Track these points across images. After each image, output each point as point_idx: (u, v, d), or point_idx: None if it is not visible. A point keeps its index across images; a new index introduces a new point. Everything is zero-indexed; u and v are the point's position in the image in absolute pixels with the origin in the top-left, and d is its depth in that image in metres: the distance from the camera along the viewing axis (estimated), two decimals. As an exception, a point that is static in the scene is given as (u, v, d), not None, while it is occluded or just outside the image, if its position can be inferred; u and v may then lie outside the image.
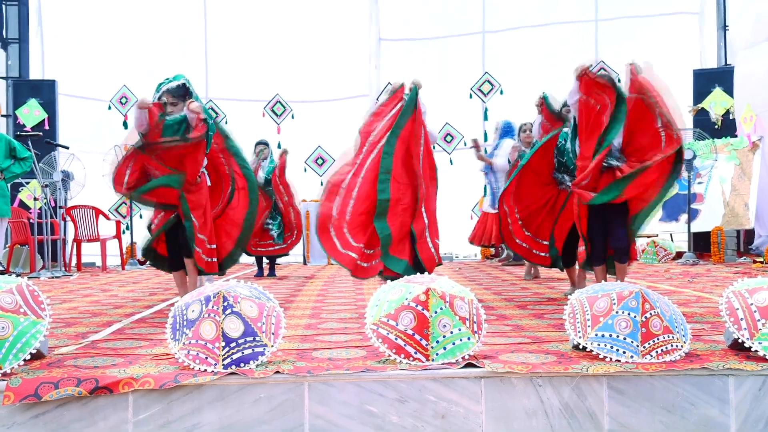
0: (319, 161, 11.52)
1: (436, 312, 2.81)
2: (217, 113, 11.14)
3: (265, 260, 8.08)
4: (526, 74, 11.08)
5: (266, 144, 7.95)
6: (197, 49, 11.35)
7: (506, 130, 8.90)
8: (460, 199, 10.77)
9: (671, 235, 9.86)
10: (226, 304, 2.75)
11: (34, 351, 2.77)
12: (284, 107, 11.46)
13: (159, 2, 11.30)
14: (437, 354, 2.79)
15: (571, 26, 11.28)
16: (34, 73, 11.02)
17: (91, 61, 11.14)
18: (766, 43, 9.18)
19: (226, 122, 11.09)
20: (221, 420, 2.66)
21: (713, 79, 10.16)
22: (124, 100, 11.00)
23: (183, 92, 4.80)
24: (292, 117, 11.41)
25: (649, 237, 9.50)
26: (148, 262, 5.42)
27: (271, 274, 7.99)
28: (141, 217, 9.64)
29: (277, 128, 11.35)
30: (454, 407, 2.69)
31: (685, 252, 9.14)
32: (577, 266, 5.35)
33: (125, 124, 10.57)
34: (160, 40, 11.14)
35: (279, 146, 10.59)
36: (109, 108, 11.00)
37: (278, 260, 9.91)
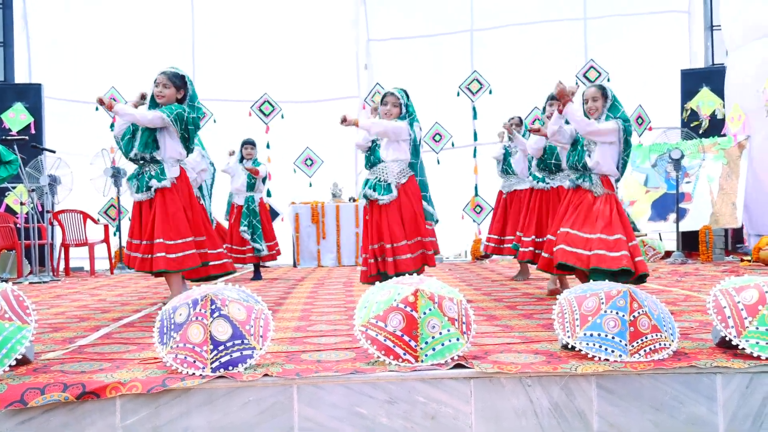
0: (308, 162, 11.51)
1: (424, 313, 2.80)
2: (205, 114, 11.11)
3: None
4: (514, 72, 11.11)
5: (254, 144, 7.91)
6: (184, 49, 11.29)
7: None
8: (449, 199, 10.78)
9: (660, 234, 9.91)
10: (213, 307, 2.74)
11: (19, 357, 2.75)
12: (273, 107, 11.44)
13: (146, 2, 11.25)
14: (426, 355, 2.78)
15: (560, 24, 11.30)
16: (20, 77, 10.95)
17: (77, 63, 11.06)
18: (754, 43, 9.24)
19: (215, 122, 11.05)
20: (210, 424, 2.65)
21: (701, 78, 10.21)
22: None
23: (178, 81, 4.69)
24: (282, 117, 11.39)
25: (638, 236, 9.56)
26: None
27: (257, 277, 7.95)
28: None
29: (266, 128, 11.33)
30: (443, 408, 2.69)
31: (673, 251, 9.19)
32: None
33: (112, 126, 10.52)
34: (147, 40, 11.09)
35: (267, 146, 10.59)
36: (96, 109, 10.94)
37: (269, 263, 9.91)
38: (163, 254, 4.55)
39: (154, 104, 4.71)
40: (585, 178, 4.74)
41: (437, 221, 5.52)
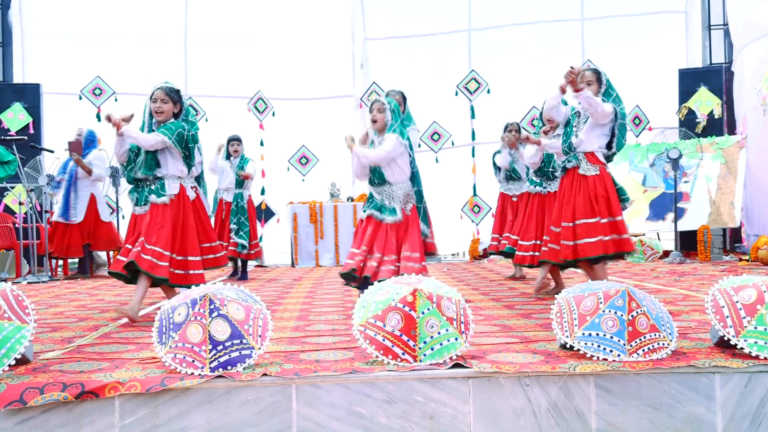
0: (303, 160, 11.49)
1: (423, 313, 2.81)
2: (196, 111, 11.10)
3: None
4: (512, 72, 11.13)
5: (240, 140, 7.89)
6: (177, 44, 11.28)
7: (90, 139, 8.70)
8: (448, 198, 10.79)
9: (658, 234, 9.92)
10: (212, 306, 2.74)
11: (18, 356, 2.74)
12: (266, 104, 11.43)
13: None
14: (425, 355, 2.79)
15: (557, 25, 11.32)
16: (16, 76, 10.94)
17: (70, 57, 11.04)
18: (754, 43, 9.26)
19: (206, 120, 11.02)
20: (209, 423, 2.65)
21: (699, 78, 10.21)
22: (98, 92, 10.95)
23: (175, 96, 4.68)
24: (273, 114, 11.38)
25: (636, 236, 9.57)
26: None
27: (243, 277, 7.89)
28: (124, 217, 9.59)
29: (260, 124, 11.31)
30: (442, 408, 2.69)
31: (671, 251, 9.19)
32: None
33: (98, 117, 10.55)
34: (140, 36, 11.08)
35: (261, 144, 10.56)
36: (80, 98, 10.94)
37: (267, 263, 9.91)
38: (138, 249, 4.54)
39: (150, 119, 4.70)
40: (572, 158, 4.89)
41: (426, 236, 5.38)
